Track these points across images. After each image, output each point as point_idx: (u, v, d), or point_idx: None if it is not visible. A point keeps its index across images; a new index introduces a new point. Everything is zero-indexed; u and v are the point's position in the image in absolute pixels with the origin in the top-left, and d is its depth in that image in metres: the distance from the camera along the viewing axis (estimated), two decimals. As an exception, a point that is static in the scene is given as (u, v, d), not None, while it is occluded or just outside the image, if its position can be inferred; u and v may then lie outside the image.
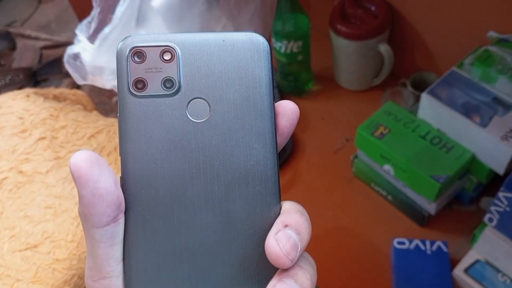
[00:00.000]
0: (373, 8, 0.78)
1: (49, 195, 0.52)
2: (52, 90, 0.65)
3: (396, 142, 0.65)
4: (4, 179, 0.52)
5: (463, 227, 0.67)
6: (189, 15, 0.48)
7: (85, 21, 0.51)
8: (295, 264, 0.22)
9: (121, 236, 0.22)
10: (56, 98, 0.64)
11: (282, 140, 0.24)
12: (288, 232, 0.21)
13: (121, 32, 0.47)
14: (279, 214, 0.23)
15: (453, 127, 0.63)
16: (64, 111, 0.60)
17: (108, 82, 0.48)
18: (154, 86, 0.22)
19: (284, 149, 0.80)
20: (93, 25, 0.50)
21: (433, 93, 0.63)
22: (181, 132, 0.22)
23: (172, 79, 0.23)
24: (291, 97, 0.88)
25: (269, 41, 0.24)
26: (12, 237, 0.49)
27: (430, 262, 0.62)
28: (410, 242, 0.64)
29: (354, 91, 0.86)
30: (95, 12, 0.51)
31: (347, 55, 0.81)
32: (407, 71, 0.83)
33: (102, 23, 0.49)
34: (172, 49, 0.23)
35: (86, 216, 0.21)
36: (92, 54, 0.47)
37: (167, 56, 0.23)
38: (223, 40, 0.23)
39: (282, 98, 0.87)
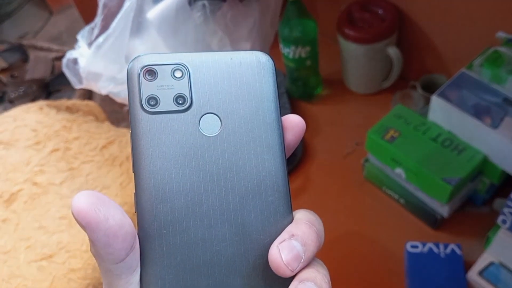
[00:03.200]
0: (380, 12, 0.78)
1: (63, 206, 0.53)
2: (64, 102, 0.66)
3: (407, 145, 0.65)
4: (19, 191, 0.53)
5: (477, 229, 0.66)
6: (184, 28, 0.49)
7: (87, 27, 0.52)
8: (313, 268, 0.22)
9: (138, 261, 0.22)
10: (69, 109, 0.65)
11: (287, 153, 0.25)
12: (292, 242, 0.21)
13: (115, 41, 0.48)
14: (291, 222, 0.23)
15: (464, 129, 0.62)
16: (76, 123, 0.61)
17: (104, 88, 0.48)
18: (167, 103, 0.23)
19: (294, 154, 0.80)
20: (96, 32, 0.51)
21: (443, 95, 0.63)
22: (194, 146, 0.23)
23: (184, 96, 0.23)
24: (300, 102, 0.88)
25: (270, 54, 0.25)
26: (28, 247, 0.50)
27: (444, 265, 0.62)
28: (424, 245, 0.64)
29: (363, 94, 0.86)
30: (98, 19, 0.52)
31: (356, 59, 0.81)
32: (417, 73, 0.82)
33: (104, 30, 0.49)
34: (183, 67, 0.23)
35: (102, 256, 0.21)
36: (87, 60, 0.48)
37: (178, 74, 0.23)
38: (231, 58, 0.24)
39: (291, 104, 0.88)
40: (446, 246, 0.63)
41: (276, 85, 0.24)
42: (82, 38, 0.50)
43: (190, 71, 0.23)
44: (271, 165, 0.23)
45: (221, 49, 0.52)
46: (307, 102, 0.88)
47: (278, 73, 0.92)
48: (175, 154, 0.23)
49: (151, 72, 0.23)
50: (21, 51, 1.12)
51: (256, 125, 0.23)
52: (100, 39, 0.48)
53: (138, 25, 0.48)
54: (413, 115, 0.68)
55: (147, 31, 0.48)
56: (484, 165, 0.63)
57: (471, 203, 0.69)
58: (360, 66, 0.82)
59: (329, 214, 0.74)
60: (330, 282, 0.23)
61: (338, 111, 0.86)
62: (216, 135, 0.23)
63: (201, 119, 0.23)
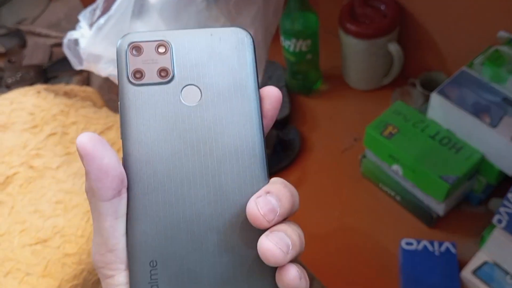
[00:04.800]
0: (382, 7, 0.78)
1: (59, 190, 0.52)
2: (62, 87, 0.65)
3: (405, 142, 0.65)
4: (15, 174, 0.53)
5: (472, 229, 0.67)
6: (186, 12, 0.49)
7: (89, 8, 0.51)
8: (286, 223, 0.24)
9: (124, 210, 0.24)
10: (67, 94, 0.64)
11: (267, 122, 0.26)
12: (268, 197, 0.23)
13: (116, 23, 0.47)
14: (267, 183, 0.25)
15: (462, 127, 0.62)
16: (74, 107, 0.60)
17: (103, 70, 0.48)
18: (151, 76, 0.25)
19: (292, 148, 0.80)
20: (97, 13, 0.50)
21: (442, 93, 0.62)
22: (176, 115, 0.25)
23: (167, 69, 0.25)
24: (300, 96, 0.88)
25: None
26: (22, 231, 0.50)
27: (438, 263, 0.62)
28: (418, 242, 0.64)
29: (363, 90, 0.86)
30: (100, 0, 0.51)
31: (356, 54, 0.80)
32: (417, 70, 0.82)
33: (106, 11, 0.49)
34: (166, 43, 0.26)
35: (93, 190, 0.23)
36: (88, 41, 0.48)
37: (161, 49, 0.25)
38: (211, 34, 0.26)
39: (290, 97, 0.87)
40: (440, 244, 0.63)
41: (254, 59, 0.26)
42: (83, 19, 0.50)
43: (173, 47, 0.25)
44: (248, 132, 0.25)
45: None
46: (306, 96, 0.88)
47: (277, 66, 0.92)
48: (159, 122, 0.25)
49: (137, 48, 0.25)
50: (19, 37, 1.11)
51: (234, 95, 0.25)
52: (101, 20, 0.48)
53: (140, 8, 0.47)
54: (412, 112, 0.67)
55: (149, 14, 0.47)
56: (482, 165, 0.63)
57: (467, 202, 0.69)
58: (360, 62, 0.82)
59: (325, 209, 0.74)
60: (302, 239, 0.24)
61: (337, 106, 0.86)
62: (196, 105, 0.25)
63: (183, 90, 0.25)
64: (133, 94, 0.25)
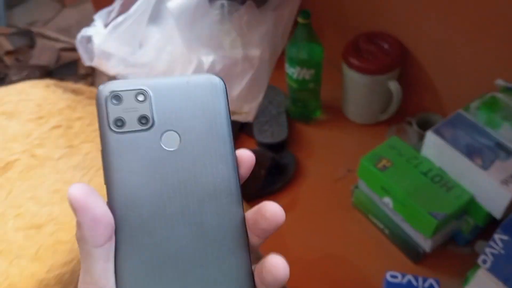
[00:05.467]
0: (385, 46, 0.81)
1: (58, 180, 0.53)
2: (71, 84, 0.67)
3: (397, 176, 0.66)
4: (16, 160, 0.53)
5: (456, 268, 0.67)
6: (201, 23, 0.51)
7: (105, 10, 0.53)
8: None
9: (113, 252, 0.25)
10: (74, 92, 0.65)
11: (241, 181, 0.28)
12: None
13: (132, 24, 0.49)
14: (243, 219, 0.27)
15: (455, 167, 0.64)
16: (81, 104, 0.61)
17: (113, 68, 0.49)
18: (131, 123, 0.26)
19: (286, 172, 0.81)
20: (112, 15, 0.52)
21: (438, 132, 0.64)
22: (157, 160, 0.26)
23: (147, 116, 0.26)
24: (298, 123, 0.90)
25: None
26: (17, 215, 0.50)
27: (421, 298, 0.62)
28: (403, 276, 0.64)
29: (360, 124, 0.88)
30: (117, 3, 0.53)
31: (357, 88, 0.83)
32: (414, 109, 0.84)
33: (121, 14, 0.51)
34: (145, 91, 0.27)
35: (86, 239, 0.24)
36: (102, 38, 0.49)
37: (140, 98, 0.26)
38: (187, 82, 0.27)
39: (289, 123, 0.89)
40: (425, 280, 0.64)
41: (227, 103, 0.28)
42: (99, 18, 0.51)
43: (151, 95, 0.27)
44: (225, 172, 0.27)
45: (231, 49, 0.54)
46: (305, 123, 0.90)
47: (279, 92, 0.94)
48: (141, 167, 0.26)
49: (117, 97, 0.26)
50: (29, 37, 1.13)
51: (210, 139, 0.27)
52: (119, 19, 0.49)
53: (157, 13, 0.49)
54: (407, 148, 0.69)
55: (165, 20, 0.49)
56: (471, 205, 0.64)
57: (454, 242, 0.70)
58: (360, 96, 0.84)
59: (313, 235, 0.74)
60: None
61: (333, 136, 0.87)
62: (176, 149, 0.26)
63: (162, 136, 0.26)
64: (115, 142, 0.26)
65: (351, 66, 0.80)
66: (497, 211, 0.61)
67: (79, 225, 0.24)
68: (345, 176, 0.81)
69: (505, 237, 0.55)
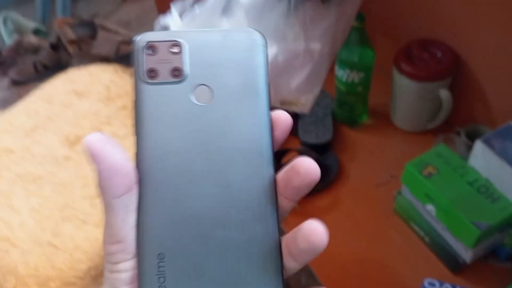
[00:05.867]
0: (438, 54, 0.80)
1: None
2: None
3: (442, 184, 0.66)
4: (84, 135, 0.57)
5: (495, 282, 0.66)
6: (269, 15, 0.52)
7: (180, 1, 0.55)
8: None
9: (134, 205, 0.25)
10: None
11: (275, 146, 0.27)
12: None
13: (208, 16, 0.51)
14: (274, 183, 0.25)
15: (502, 179, 0.63)
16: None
17: None
18: (164, 75, 0.26)
19: (329, 173, 0.82)
20: (187, 4, 0.54)
21: (487, 142, 0.64)
22: (187, 114, 0.26)
23: (180, 69, 0.26)
24: (344, 126, 0.91)
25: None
26: (84, 185, 0.54)
27: (458, 307, 0.62)
28: (441, 285, 0.64)
29: (406, 131, 0.88)
30: None
31: (407, 94, 0.83)
32: (463, 120, 0.84)
33: (195, 4, 0.53)
34: (180, 43, 0.26)
35: (105, 188, 0.24)
36: (179, 28, 0.52)
37: (175, 49, 0.26)
38: (224, 35, 0.27)
39: (335, 126, 0.90)
40: (463, 290, 0.63)
41: (266, 61, 0.27)
42: (175, 8, 0.54)
43: (186, 47, 0.26)
44: (257, 132, 0.26)
45: (294, 42, 0.56)
46: (350, 127, 0.90)
47: (326, 94, 0.95)
48: (170, 120, 0.25)
49: (152, 48, 0.26)
50: (91, 28, 1.19)
51: (245, 96, 0.26)
52: (197, 10, 0.52)
53: (228, 5, 0.52)
54: (454, 157, 0.69)
55: (235, 12, 0.51)
56: (516, 219, 0.63)
57: (495, 255, 0.69)
58: (409, 102, 0.84)
59: (352, 238, 0.75)
60: None
61: (378, 142, 0.88)
62: (208, 104, 0.26)
63: (195, 90, 0.26)
64: (147, 92, 0.26)
65: (402, 71, 0.80)
66: (544, 227, 0.60)
67: (98, 173, 0.24)
68: (388, 181, 0.81)
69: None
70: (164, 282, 0.24)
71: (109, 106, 0.62)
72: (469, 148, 0.74)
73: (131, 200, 0.25)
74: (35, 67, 1.15)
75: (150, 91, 0.26)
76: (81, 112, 0.60)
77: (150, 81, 0.26)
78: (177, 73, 0.26)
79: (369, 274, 0.71)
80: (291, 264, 0.25)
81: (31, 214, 0.53)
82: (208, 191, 0.25)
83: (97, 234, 0.53)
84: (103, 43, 1.11)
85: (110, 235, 0.25)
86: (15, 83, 1.18)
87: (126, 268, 0.25)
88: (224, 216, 0.25)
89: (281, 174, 0.25)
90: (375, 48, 0.82)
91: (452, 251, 0.67)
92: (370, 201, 0.79)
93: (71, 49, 1.12)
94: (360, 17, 0.77)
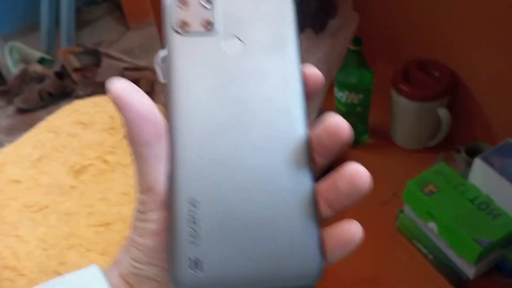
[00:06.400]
0: (436, 73, 0.82)
1: (127, 184, 0.58)
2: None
3: (443, 201, 0.66)
4: (90, 165, 0.59)
5: (501, 298, 0.66)
6: None
7: None
8: None
9: (165, 154, 0.24)
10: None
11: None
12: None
13: None
14: (307, 138, 0.25)
15: (502, 195, 0.64)
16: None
17: None
18: (196, 27, 0.26)
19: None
20: None
21: (486, 159, 0.65)
22: (218, 64, 0.26)
23: (211, 21, 0.27)
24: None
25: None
26: (89, 214, 0.55)
27: (463, 325, 0.62)
28: (445, 302, 0.64)
29: (407, 149, 0.89)
30: None
31: (406, 114, 0.84)
32: (463, 138, 0.84)
33: None
34: None
35: (134, 137, 0.24)
36: None
37: (206, 3, 0.27)
38: None
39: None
40: (468, 307, 0.63)
41: (295, 15, 0.27)
42: None
43: (217, 0, 0.27)
44: (289, 86, 0.26)
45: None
46: (352, 147, 0.91)
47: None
48: (202, 70, 0.26)
49: (183, 1, 0.27)
50: (95, 56, 1.21)
51: (276, 49, 0.26)
52: None
53: None
54: (454, 175, 0.69)
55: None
56: (518, 234, 0.63)
57: (498, 271, 0.69)
58: (408, 122, 0.85)
59: (355, 257, 0.75)
60: None
61: (380, 160, 0.88)
62: (239, 57, 0.26)
63: (226, 42, 0.26)
64: (178, 43, 0.26)
65: (400, 92, 0.82)
66: (546, 242, 0.60)
67: (125, 124, 0.23)
68: (391, 200, 0.82)
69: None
70: (197, 228, 0.23)
71: (113, 135, 0.63)
72: (470, 165, 0.75)
73: (161, 149, 0.24)
74: (40, 95, 1.18)
75: (181, 42, 0.26)
76: (86, 142, 0.62)
77: (181, 32, 0.26)
78: (208, 26, 0.26)
79: (375, 294, 0.71)
80: (326, 212, 0.25)
81: (37, 243, 0.54)
82: (240, 141, 0.25)
83: (101, 261, 0.54)
84: (107, 71, 1.13)
85: (141, 184, 0.25)
86: (21, 110, 1.21)
87: (154, 217, 0.24)
88: (258, 165, 0.24)
89: (313, 131, 0.25)
90: (374, 70, 0.83)
91: (455, 268, 0.67)
92: (374, 220, 0.79)
93: (75, 77, 1.15)
94: (357, 40, 0.78)
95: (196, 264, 0.23)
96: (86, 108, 0.66)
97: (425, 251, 0.72)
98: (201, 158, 0.24)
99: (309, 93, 0.26)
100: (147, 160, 0.24)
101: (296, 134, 0.25)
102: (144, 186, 0.25)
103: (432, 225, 0.68)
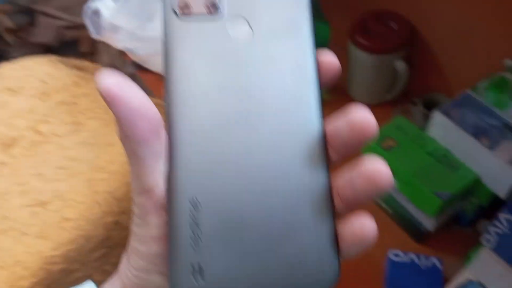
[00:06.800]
0: (394, 25, 0.80)
1: (64, 157, 0.52)
2: (74, 60, 0.66)
3: (402, 156, 0.66)
4: (20, 137, 0.53)
5: (459, 248, 0.68)
6: None
7: None
8: None
9: (163, 152, 0.22)
10: (78, 68, 0.65)
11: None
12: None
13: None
14: (322, 132, 0.23)
15: (461, 148, 0.64)
16: (86, 80, 0.61)
17: (120, 42, 0.49)
18: (198, 9, 0.23)
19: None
20: None
21: (444, 112, 0.64)
22: (223, 51, 0.23)
23: (215, 3, 0.24)
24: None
25: None
26: (22, 192, 0.50)
27: (424, 277, 0.62)
28: (406, 255, 0.65)
29: (365, 104, 0.87)
30: None
31: (363, 68, 0.82)
32: (420, 90, 0.84)
33: None
34: None
35: (128, 136, 0.21)
36: (112, 12, 0.48)
37: None
38: None
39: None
40: (427, 259, 0.64)
41: None
42: None
43: None
44: (302, 75, 0.23)
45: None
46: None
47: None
48: (205, 56, 0.23)
49: None
50: (30, 15, 1.11)
51: (287, 33, 0.24)
52: None
53: None
54: (413, 128, 0.69)
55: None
56: (476, 186, 0.64)
57: (457, 222, 0.70)
58: (366, 76, 0.83)
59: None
60: None
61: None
62: (246, 41, 0.23)
63: (232, 25, 0.23)
64: (178, 28, 0.23)
65: (358, 45, 0.79)
66: (503, 191, 0.61)
67: (118, 121, 0.21)
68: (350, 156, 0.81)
69: (511, 217, 0.55)
70: (198, 231, 0.21)
71: (45, 102, 0.57)
72: (427, 117, 0.75)
73: (159, 147, 0.22)
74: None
75: (183, 27, 0.23)
76: (15, 110, 0.55)
77: (181, 15, 0.23)
78: (212, 8, 0.23)
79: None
80: (341, 209, 0.22)
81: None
82: (248, 135, 0.22)
83: (39, 246, 0.49)
84: (44, 30, 1.04)
85: (137, 186, 0.22)
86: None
87: (155, 221, 0.22)
88: (267, 161, 0.22)
89: (331, 122, 0.23)
90: (331, 23, 0.80)
91: (415, 221, 0.68)
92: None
93: (9, 38, 1.05)
94: (312, -10, 0.74)
95: (198, 270, 0.21)
96: (12, 72, 0.59)
97: (384, 205, 0.72)
98: (203, 154, 0.22)
99: (324, 82, 0.24)
100: (144, 160, 0.22)
101: (310, 128, 0.23)
102: (141, 188, 0.22)
103: (392, 180, 0.67)
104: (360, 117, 0.21)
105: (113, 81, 0.21)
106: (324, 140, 0.23)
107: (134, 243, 0.23)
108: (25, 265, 0.48)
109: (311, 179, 0.22)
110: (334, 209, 0.22)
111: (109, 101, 0.21)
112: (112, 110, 0.21)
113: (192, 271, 0.21)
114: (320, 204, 0.22)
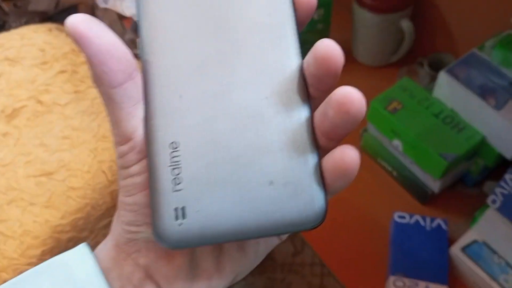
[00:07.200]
0: (399, -17, 0.77)
1: (67, 126, 0.52)
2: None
3: (408, 118, 0.65)
4: (22, 107, 0.52)
5: (464, 209, 0.68)
6: None
7: None
8: None
9: (140, 95, 0.22)
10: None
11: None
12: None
13: None
14: (300, 67, 0.22)
15: (467, 108, 0.63)
16: (85, 48, 0.59)
17: (128, 9, 0.47)
18: None
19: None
20: None
21: (451, 72, 0.63)
22: None
23: None
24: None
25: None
26: (27, 162, 0.50)
27: (429, 238, 0.63)
28: (411, 217, 0.65)
29: (370, 66, 0.86)
30: None
31: (368, 28, 0.80)
32: (426, 50, 0.82)
33: None
34: None
35: (100, 77, 0.21)
36: None
37: None
38: None
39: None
40: (432, 220, 0.64)
41: None
42: None
43: None
44: (278, 9, 0.22)
45: None
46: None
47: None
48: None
49: None
50: (27, -19, 1.09)
51: None
52: None
53: None
54: (419, 89, 0.68)
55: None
56: (481, 146, 0.63)
57: (462, 183, 0.70)
58: (371, 36, 0.81)
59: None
60: None
61: (343, 79, 0.86)
62: None
63: None
64: None
65: (362, 4, 0.77)
66: (509, 152, 0.61)
67: (88, 61, 0.20)
68: (354, 119, 0.80)
69: (516, 177, 0.54)
70: (179, 173, 0.21)
71: (46, 71, 0.56)
72: (433, 78, 0.74)
73: (134, 90, 0.21)
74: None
75: None
76: (15, 81, 0.55)
77: None
78: None
79: (340, 214, 0.71)
80: (327, 144, 0.21)
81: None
82: (225, 73, 0.22)
83: (47, 215, 0.49)
84: (41, -3, 1.02)
85: (117, 135, 0.22)
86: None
87: (139, 170, 0.22)
88: (246, 99, 0.21)
89: (305, 59, 0.22)
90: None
91: (420, 183, 0.68)
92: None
93: (6, 7, 1.03)
94: None
95: (182, 214, 0.20)
96: (11, 42, 0.58)
97: (389, 168, 0.72)
98: (180, 95, 0.21)
99: (301, 18, 0.23)
100: (119, 104, 0.21)
101: (288, 64, 0.22)
102: (121, 136, 0.22)
103: (397, 142, 0.67)
104: (323, 46, 0.20)
105: (81, 19, 0.20)
106: (303, 75, 0.22)
107: (121, 197, 0.23)
108: (34, 235, 0.48)
109: (291, 114, 0.21)
110: (318, 144, 0.21)
111: (77, 40, 0.20)
112: (81, 50, 0.20)
113: (176, 216, 0.20)
114: (302, 138, 0.21)
